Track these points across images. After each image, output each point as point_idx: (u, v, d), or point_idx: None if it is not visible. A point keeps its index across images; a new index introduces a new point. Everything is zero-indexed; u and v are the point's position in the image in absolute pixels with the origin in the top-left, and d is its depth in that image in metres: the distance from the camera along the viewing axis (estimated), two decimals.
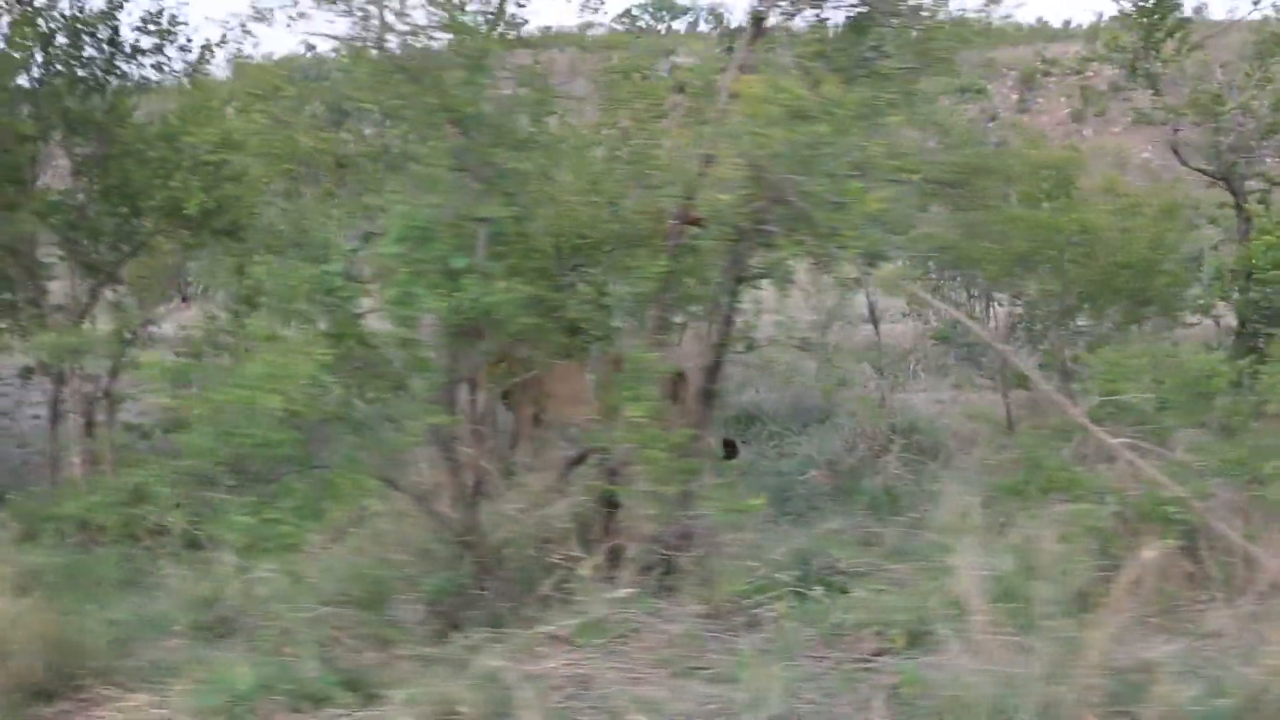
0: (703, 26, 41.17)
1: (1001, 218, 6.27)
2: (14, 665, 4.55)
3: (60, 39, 8.02)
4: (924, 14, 5.66)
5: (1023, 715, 4.22)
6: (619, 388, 5.22)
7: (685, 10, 46.65)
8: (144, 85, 8.38)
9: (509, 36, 5.64)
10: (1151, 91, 10.04)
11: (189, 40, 8.60)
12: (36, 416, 11.40)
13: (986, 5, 6.02)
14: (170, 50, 8.54)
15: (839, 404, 12.15)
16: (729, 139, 5.04)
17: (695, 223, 5.81)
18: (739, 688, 4.79)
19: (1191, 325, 10.90)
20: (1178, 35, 9.59)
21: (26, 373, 10.00)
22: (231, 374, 4.69)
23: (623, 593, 5.54)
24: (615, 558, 5.81)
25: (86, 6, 8.28)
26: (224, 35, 8.14)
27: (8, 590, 4.76)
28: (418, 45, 5.40)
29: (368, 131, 6.83)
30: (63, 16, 8.05)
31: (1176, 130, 10.44)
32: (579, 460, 6.22)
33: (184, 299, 11.06)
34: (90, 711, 4.58)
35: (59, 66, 8.05)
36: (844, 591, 5.91)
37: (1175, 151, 10.67)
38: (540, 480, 6.04)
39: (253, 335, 5.19)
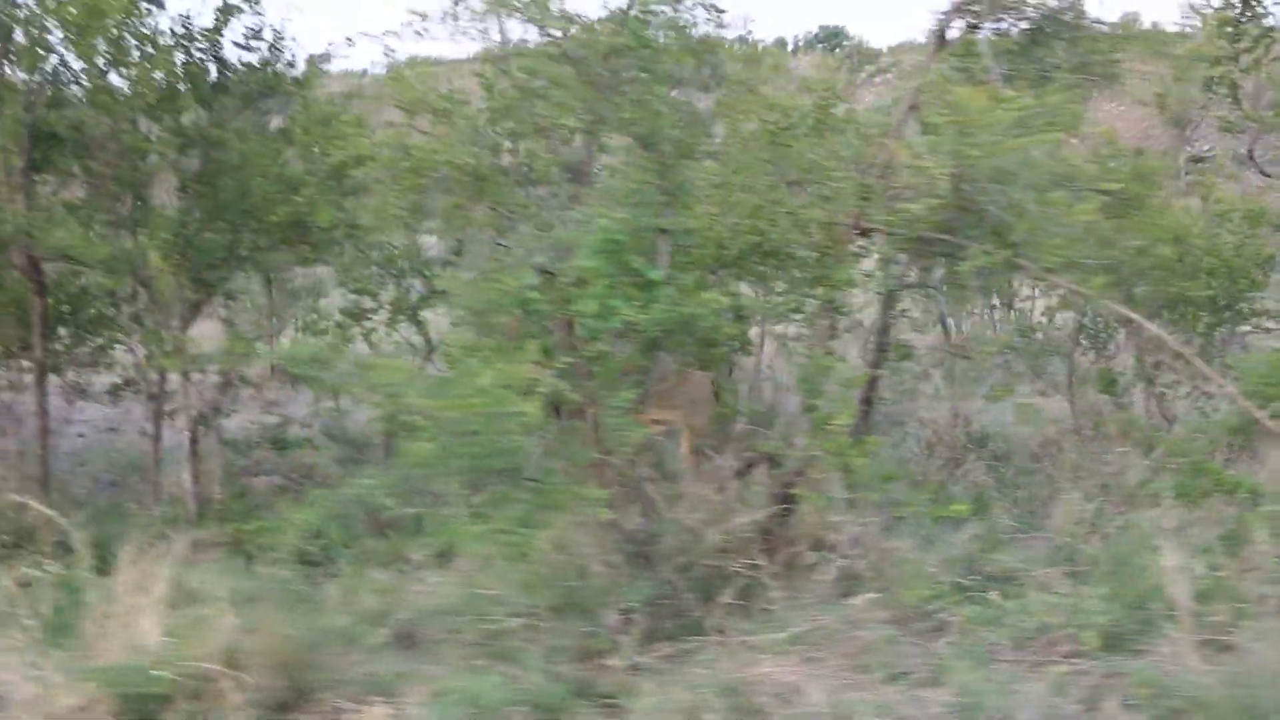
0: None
1: (1145, 224, 6.34)
2: (251, 680, 4.56)
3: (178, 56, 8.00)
4: (1095, 24, 5.74)
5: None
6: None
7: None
8: (253, 98, 8.36)
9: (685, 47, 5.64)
10: (1231, 100, 10.16)
11: (292, 56, 8.62)
12: (81, 435, 11.38)
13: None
14: (279, 65, 8.52)
15: (908, 412, 12.21)
16: (929, 150, 5.09)
17: (866, 233, 5.87)
18: (948, 691, 4.84)
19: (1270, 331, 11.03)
20: (1262, 44, 9.70)
21: (116, 389, 9.98)
22: (450, 384, 4.69)
23: (809, 600, 5.60)
24: (792, 565, 5.86)
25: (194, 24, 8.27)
26: (328, 51, 8.20)
27: (233, 606, 4.76)
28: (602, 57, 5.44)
29: (510, 145, 6.85)
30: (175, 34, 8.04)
31: (1256, 138, 10.56)
32: (748, 468, 6.26)
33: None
34: None
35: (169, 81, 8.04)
36: (1016, 596, 5.95)
37: (1252, 158, 10.81)
38: (710, 489, 6.07)
39: (453, 347, 5.20)
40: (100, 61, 7.29)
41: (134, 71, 7.31)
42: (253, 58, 8.54)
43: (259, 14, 8.56)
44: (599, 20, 5.54)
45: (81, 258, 7.37)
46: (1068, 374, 12.15)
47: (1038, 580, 6.26)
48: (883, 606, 5.66)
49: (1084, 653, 5.28)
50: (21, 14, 7.25)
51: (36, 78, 7.49)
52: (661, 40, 5.63)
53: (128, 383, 9.83)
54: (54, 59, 7.49)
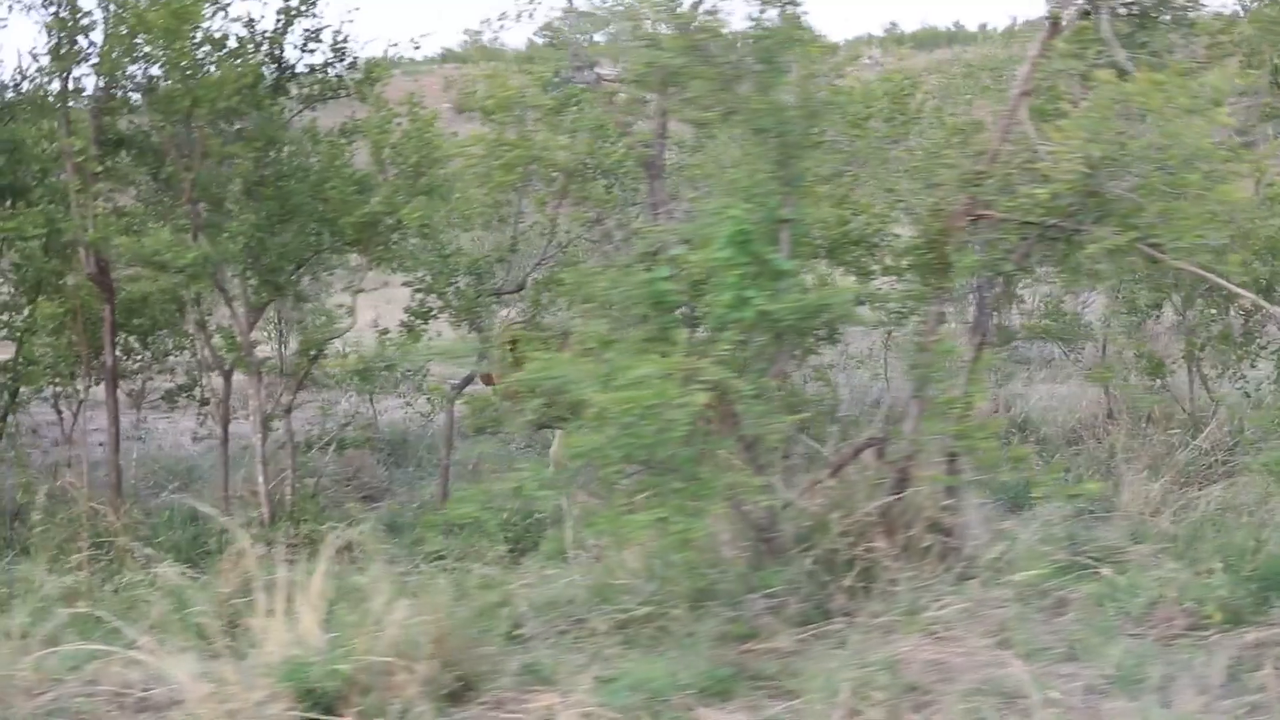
0: None
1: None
2: (421, 670, 4.61)
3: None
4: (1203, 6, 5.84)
5: None
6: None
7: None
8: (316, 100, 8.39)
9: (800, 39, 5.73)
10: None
11: (354, 59, 8.65)
12: (141, 438, 11.37)
13: None
14: (339, 66, 8.55)
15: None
16: (1063, 132, 5.19)
17: (977, 220, 5.95)
18: (1094, 665, 4.94)
19: None
20: None
21: (172, 395, 10.00)
22: (611, 375, 4.76)
23: (930, 581, 5.71)
24: (910, 548, 5.95)
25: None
26: (388, 51, 8.25)
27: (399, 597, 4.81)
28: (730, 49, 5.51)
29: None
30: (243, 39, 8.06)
31: None
32: (859, 451, 6.35)
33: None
34: (504, 711, 4.64)
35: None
36: (1121, 572, 6.07)
37: None
38: (824, 473, 6.17)
39: (588, 339, 5.27)
40: (179, 66, 7.27)
41: (210, 76, 7.30)
42: (314, 59, 8.55)
43: (316, 16, 8.58)
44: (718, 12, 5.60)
45: (168, 263, 7.36)
46: (1102, 356, 12.38)
47: (1135, 558, 6.42)
48: (1003, 586, 5.77)
49: (1205, 625, 5.38)
50: (99, 20, 7.25)
51: (102, 83, 7.47)
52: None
53: (182, 388, 9.86)
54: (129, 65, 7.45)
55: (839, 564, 5.88)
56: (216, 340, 8.39)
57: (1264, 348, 10.83)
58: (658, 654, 4.97)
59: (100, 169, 7.66)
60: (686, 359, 4.73)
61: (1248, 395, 10.62)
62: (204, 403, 10.00)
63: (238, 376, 9.13)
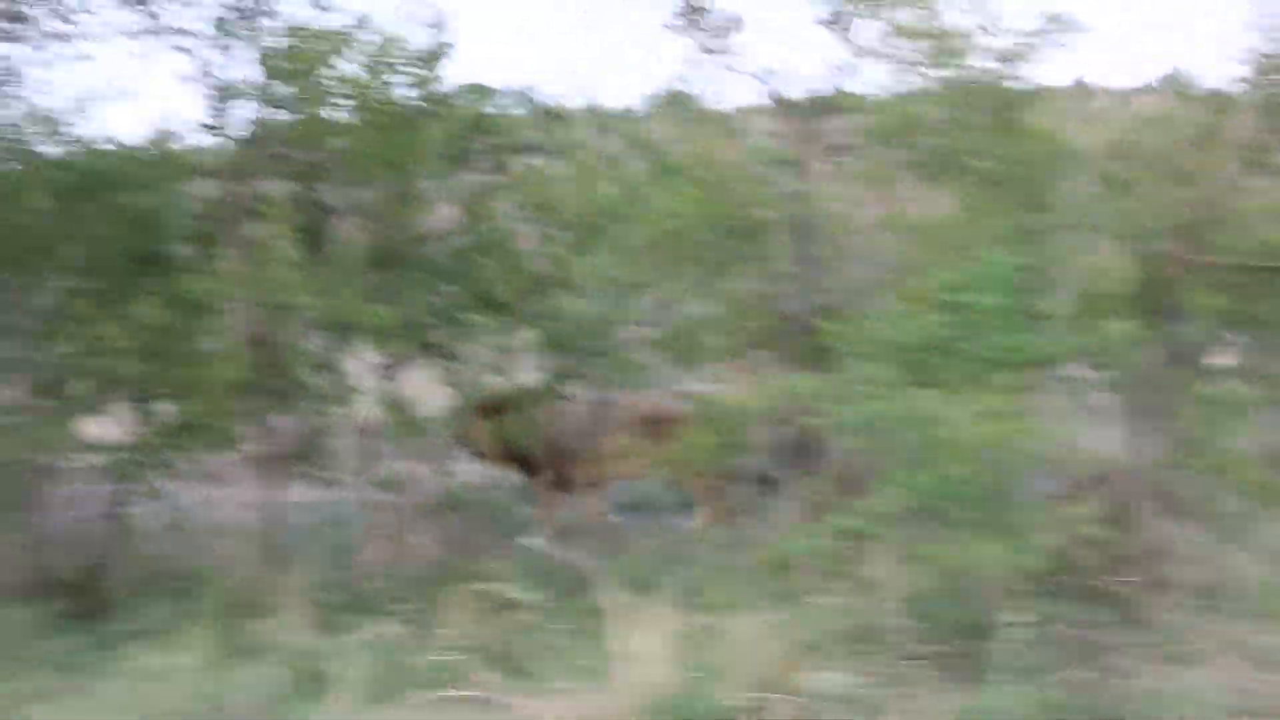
0: None
1: None
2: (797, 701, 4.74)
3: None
4: None
5: None
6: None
7: None
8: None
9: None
10: None
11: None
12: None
13: None
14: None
15: None
16: None
17: (1201, 264, 6.29)
18: None
19: None
20: None
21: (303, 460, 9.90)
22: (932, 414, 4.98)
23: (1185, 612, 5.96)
24: (1157, 581, 6.21)
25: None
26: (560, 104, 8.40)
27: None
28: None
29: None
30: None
31: None
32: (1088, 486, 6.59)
33: None
34: None
35: None
36: None
37: None
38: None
39: (874, 385, 5.48)
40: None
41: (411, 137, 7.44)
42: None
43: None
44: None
45: (357, 324, 7.44)
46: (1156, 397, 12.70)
47: None
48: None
49: None
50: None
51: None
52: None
53: (304, 453, 9.78)
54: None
55: (1095, 596, 6.11)
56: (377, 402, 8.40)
57: None
58: (988, 684, 5.12)
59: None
60: (1015, 396, 4.95)
61: None
62: (322, 467, 9.93)
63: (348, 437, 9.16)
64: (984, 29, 5.92)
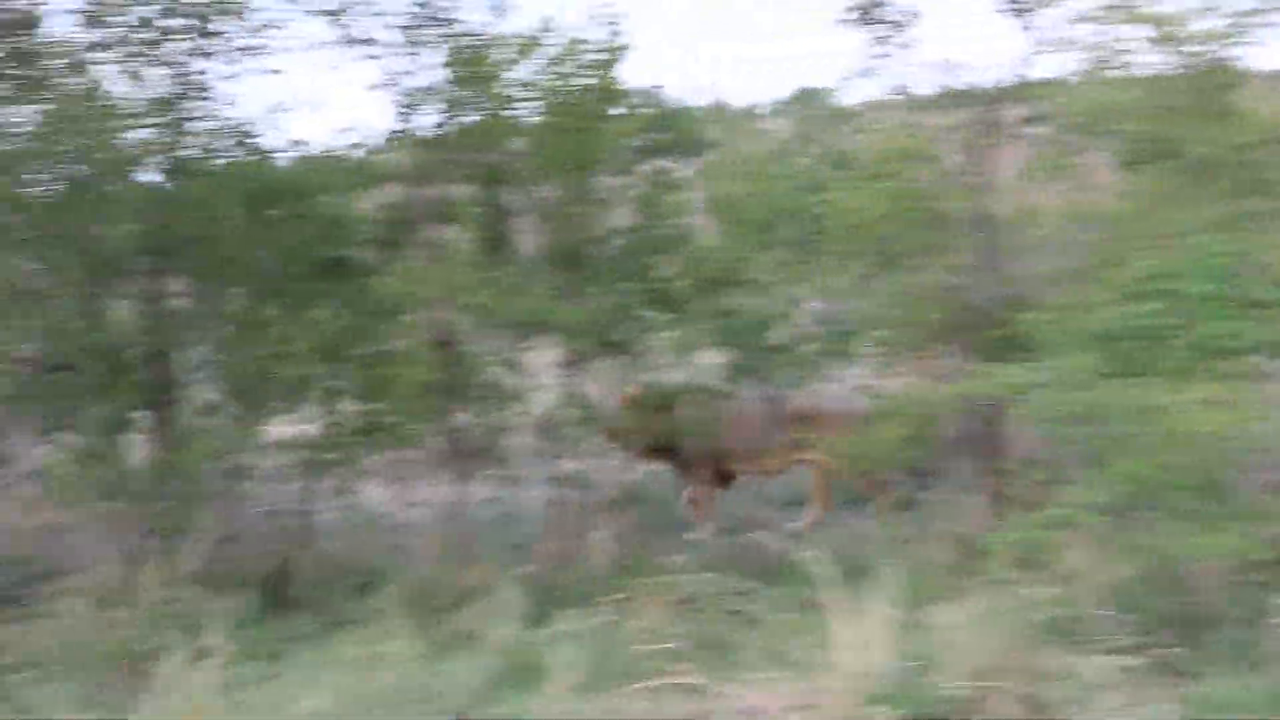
0: None
1: None
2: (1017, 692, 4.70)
3: None
4: None
5: None
6: None
7: None
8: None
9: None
10: None
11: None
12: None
13: None
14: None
15: None
16: None
17: None
18: None
19: None
20: None
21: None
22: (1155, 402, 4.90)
23: None
24: None
25: None
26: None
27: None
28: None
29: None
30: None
31: None
32: None
33: None
34: None
35: None
36: None
37: None
38: None
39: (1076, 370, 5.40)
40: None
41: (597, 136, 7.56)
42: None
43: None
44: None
45: (548, 322, 7.58)
46: None
47: None
48: None
49: None
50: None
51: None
52: None
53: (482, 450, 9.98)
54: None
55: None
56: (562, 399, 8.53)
57: None
58: (1210, 675, 5.03)
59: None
60: (1234, 384, 4.86)
61: None
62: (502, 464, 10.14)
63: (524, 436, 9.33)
64: (1196, 11, 5.79)
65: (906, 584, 5.67)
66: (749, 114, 9.75)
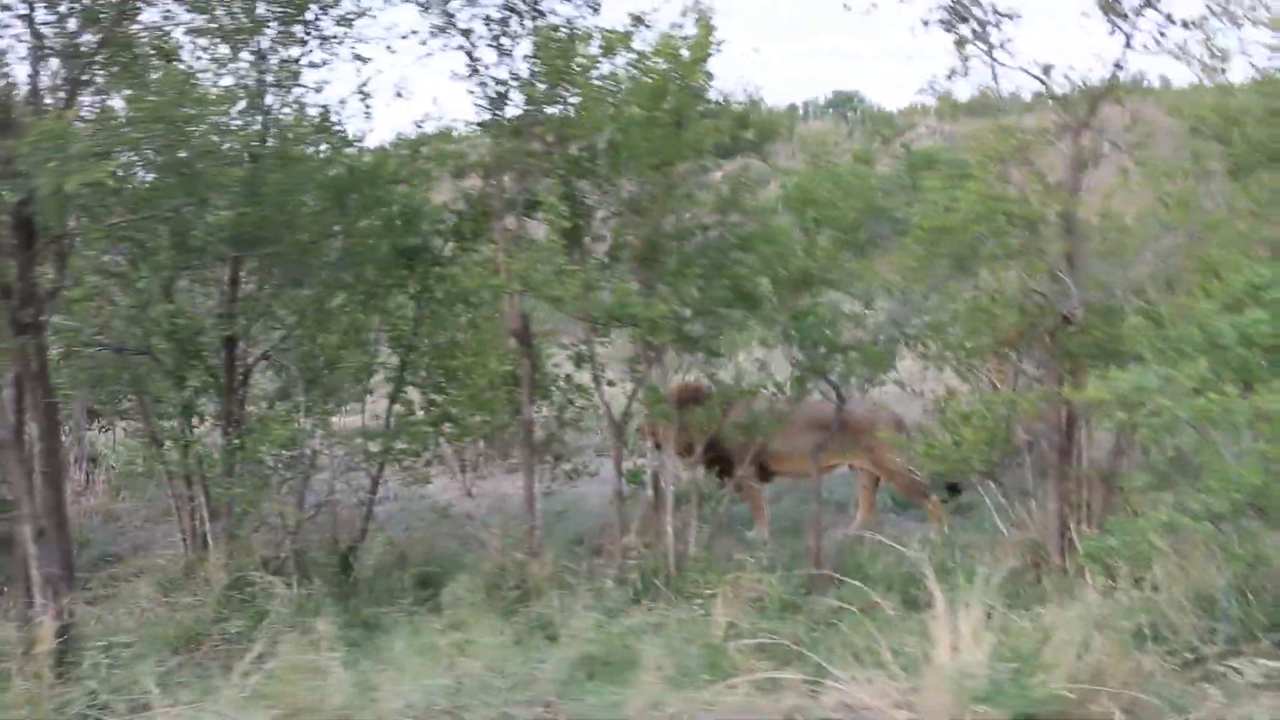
0: None
1: None
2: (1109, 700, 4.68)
3: None
4: None
5: None
6: None
7: None
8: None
9: None
10: None
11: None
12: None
13: None
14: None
15: None
16: None
17: None
18: None
19: None
20: None
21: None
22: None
23: None
24: None
25: None
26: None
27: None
28: None
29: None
30: None
31: None
32: None
33: None
34: None
35: None
36: None
37: None
38: None
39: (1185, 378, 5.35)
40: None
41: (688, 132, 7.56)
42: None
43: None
44: None
45: (633, 316, 7.59)
46: None
47: None
48: None
49: None
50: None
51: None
52: None
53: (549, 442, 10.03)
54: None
55: None
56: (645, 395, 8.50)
57: None
58: None
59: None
60: None
61: None
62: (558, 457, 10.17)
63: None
64: None
65: (996, 587, 5.63)
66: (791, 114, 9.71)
